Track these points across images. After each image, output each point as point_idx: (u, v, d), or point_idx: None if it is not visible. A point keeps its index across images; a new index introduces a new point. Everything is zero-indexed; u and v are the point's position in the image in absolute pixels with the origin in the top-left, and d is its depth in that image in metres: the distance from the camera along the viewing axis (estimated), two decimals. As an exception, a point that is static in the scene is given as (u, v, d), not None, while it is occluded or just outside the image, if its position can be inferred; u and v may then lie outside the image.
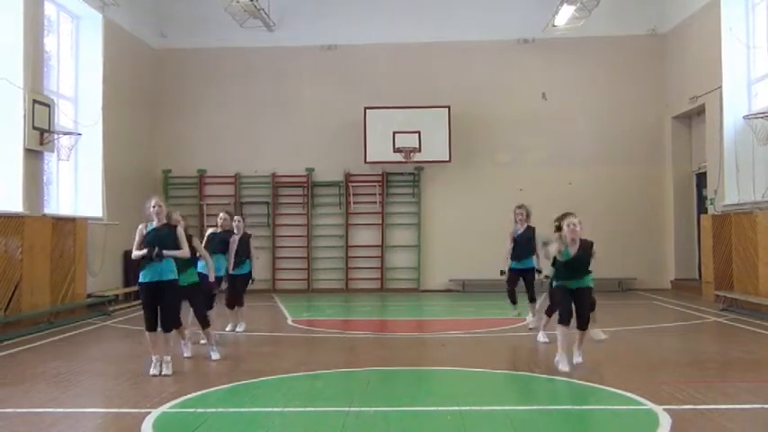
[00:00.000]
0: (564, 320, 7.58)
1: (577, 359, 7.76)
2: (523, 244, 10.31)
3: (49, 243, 12.35)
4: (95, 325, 12.08)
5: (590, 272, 7.71)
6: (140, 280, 7.62)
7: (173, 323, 7.71)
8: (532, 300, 10.50)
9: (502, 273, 10.60)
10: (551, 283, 8.14)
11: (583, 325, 7.73)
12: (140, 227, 7.73)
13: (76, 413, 6.18)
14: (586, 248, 7.61)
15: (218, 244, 9.87)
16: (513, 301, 10.72)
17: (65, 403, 6.51)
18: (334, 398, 6.81)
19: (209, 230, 10.23)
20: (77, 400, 6.72)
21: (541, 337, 9.35)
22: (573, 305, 7.62)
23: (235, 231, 10.28)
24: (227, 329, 10.49)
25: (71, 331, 11.26)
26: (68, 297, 12.95)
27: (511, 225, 10.55)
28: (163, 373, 7.50)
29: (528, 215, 10.48)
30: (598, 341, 8.29)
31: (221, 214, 10.26)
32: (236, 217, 10.49)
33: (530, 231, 10.34)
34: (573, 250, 7.55)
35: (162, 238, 7.58)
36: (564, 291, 7.72)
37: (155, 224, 7.70)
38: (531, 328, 10.21)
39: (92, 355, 9.26)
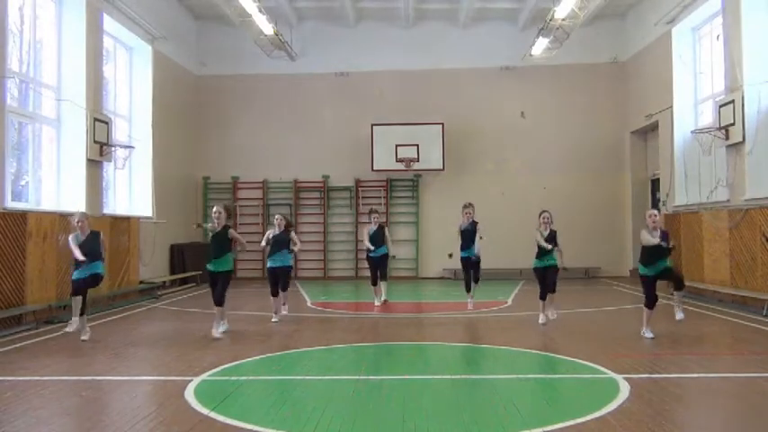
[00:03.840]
0: (648, 305, 8.09)
1: (649, 335, 8.01)
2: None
3: (107, 238, 12.36)
4: (146, 306, 12.13)
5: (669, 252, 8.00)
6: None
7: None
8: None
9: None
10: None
11: (650, 304, 8.10)
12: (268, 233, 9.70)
13: (131, 380, 6.21)
14: (667, 235, 8.02)
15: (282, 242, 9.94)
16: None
17: (121, 372, 6.54)
18: (347, 368, 6.83)
19: (270, 232, 9.92)
20: (132, 369, 6.74)
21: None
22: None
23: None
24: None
25: (126, 312, 11.31)
26: (124, 283, 13.01)
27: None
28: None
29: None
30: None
31: (278, 215, 10.07)
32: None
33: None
34: (655, 236, 7.91)
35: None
36: (648, 280, 8.04)
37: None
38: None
39: (143, 332, 9.29)
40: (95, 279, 8.33)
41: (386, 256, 11.68)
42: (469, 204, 10.78)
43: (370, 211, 11.83)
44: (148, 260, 14.63)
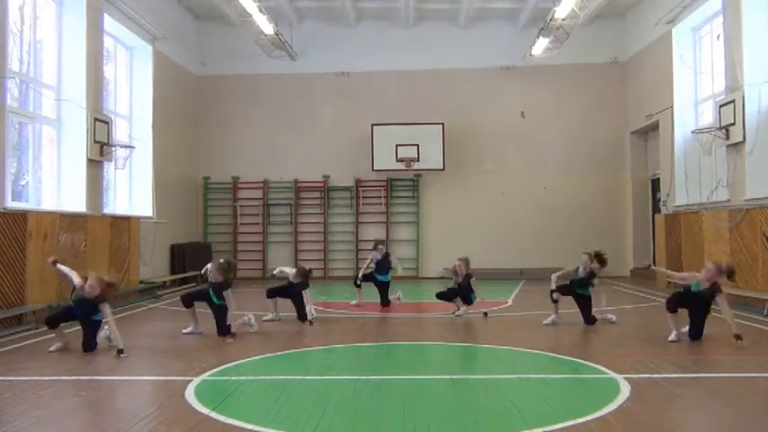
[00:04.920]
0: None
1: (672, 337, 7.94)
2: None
3: (107, 238, 12.40)
4: (146, 306, 12.13)
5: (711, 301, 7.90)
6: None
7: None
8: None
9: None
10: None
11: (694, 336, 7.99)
12: None
13: (131, 380, 6.21)
14: (714, 288, 7.77)
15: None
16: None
17: (121, 372, 6.53)
18: (347, 368, 6.83)
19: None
20: (132, 369, 6.73)
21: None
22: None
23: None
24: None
25: (126, 312, 11.29)
26: (124, 283, 12.99)
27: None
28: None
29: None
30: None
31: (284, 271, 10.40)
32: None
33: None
34: (703, 286, 7.85)
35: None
36: (679, 294, 8.09)
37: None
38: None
39: (144, 332, 9.29)
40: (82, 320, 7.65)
41: (388, 283, 11.90)
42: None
43: (375, 245, 12.28)
44: (149, 260, 14.62)
